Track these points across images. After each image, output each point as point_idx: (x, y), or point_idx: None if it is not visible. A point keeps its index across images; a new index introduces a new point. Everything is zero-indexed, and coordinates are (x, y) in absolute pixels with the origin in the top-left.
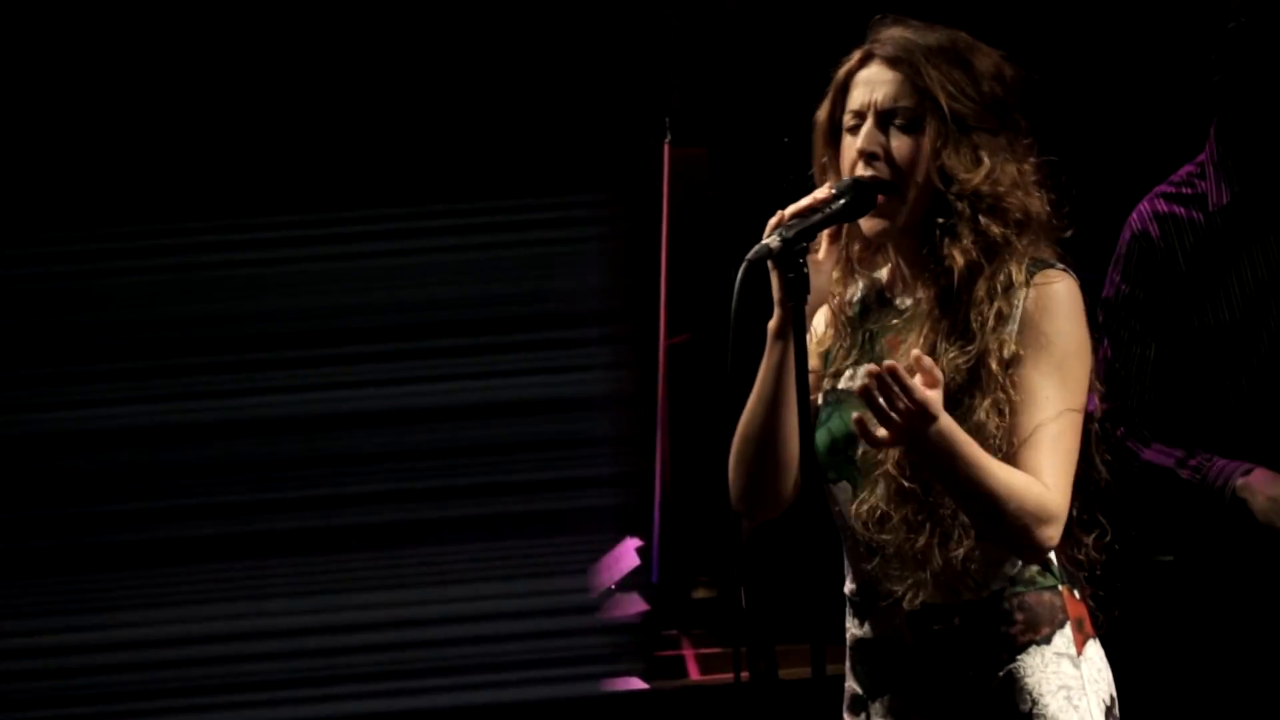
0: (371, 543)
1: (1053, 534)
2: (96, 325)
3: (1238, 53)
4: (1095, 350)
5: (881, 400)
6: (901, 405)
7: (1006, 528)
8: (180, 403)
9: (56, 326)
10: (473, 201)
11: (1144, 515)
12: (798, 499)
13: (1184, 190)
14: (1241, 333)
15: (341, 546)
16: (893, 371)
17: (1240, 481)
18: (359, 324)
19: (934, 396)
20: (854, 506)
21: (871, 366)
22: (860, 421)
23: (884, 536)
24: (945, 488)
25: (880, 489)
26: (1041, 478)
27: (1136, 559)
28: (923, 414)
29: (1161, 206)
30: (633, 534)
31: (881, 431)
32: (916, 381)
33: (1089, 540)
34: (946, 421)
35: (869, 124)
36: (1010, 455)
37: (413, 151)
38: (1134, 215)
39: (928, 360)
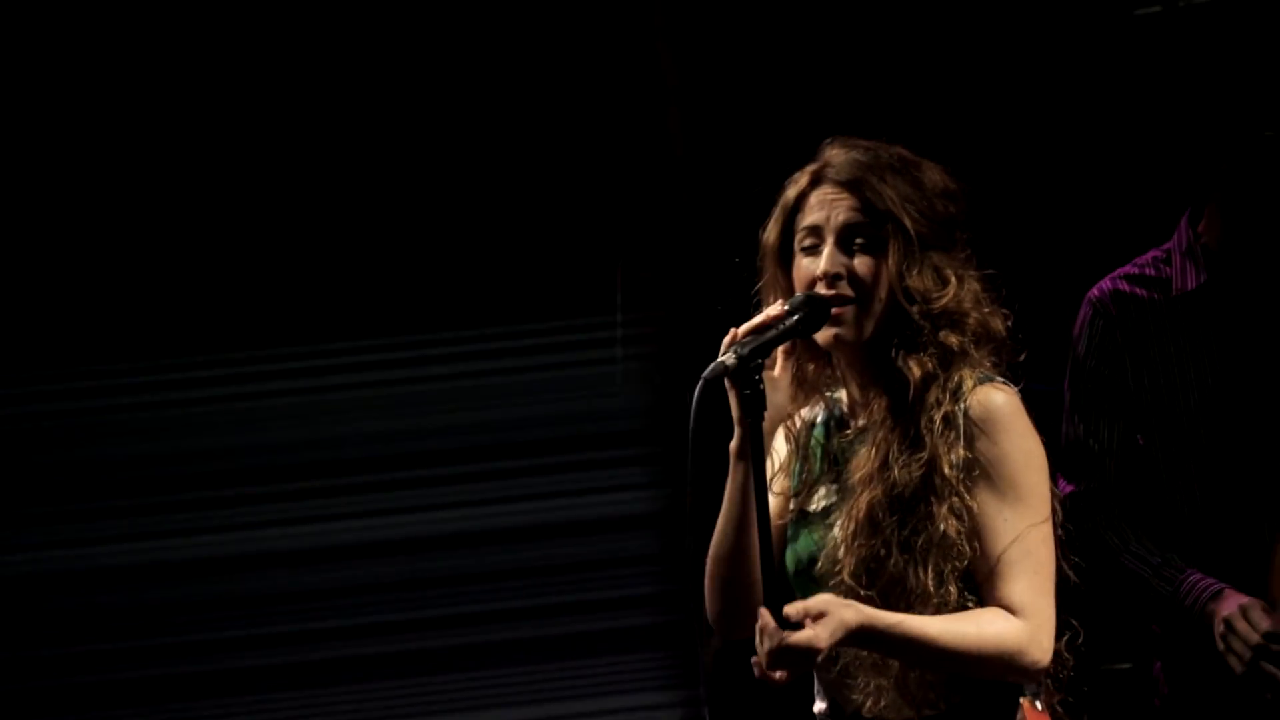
0: (429, 667)
1: (1035, 657)
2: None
3: (1266, 160)
4: (1065, 429)
5: (757, 642)
6: (766, 648)
7: (989, 671)
8: (221, 534)
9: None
10: (505, 325)
11: (1110, 617)
12: None
13: (1147, 272)
14: (1197, 427)
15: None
16: (764, 621)
17: (1211, 607)
18: (382, 452)
19: (805, 637)
20: None
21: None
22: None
23: (838, 650)
24: (910, 664)
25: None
26: (1011, 604)
27: (1095, 666)
28: (795, 655)
29: (1124, 286)
30: None
31: (778, 674)
32: (775, 632)
33: (1061, 644)
34: (863, 623)
35: (830, 245)
36: (982, 585)
37: (436, 276)
38: (1094, 291)
39: (795, 608)
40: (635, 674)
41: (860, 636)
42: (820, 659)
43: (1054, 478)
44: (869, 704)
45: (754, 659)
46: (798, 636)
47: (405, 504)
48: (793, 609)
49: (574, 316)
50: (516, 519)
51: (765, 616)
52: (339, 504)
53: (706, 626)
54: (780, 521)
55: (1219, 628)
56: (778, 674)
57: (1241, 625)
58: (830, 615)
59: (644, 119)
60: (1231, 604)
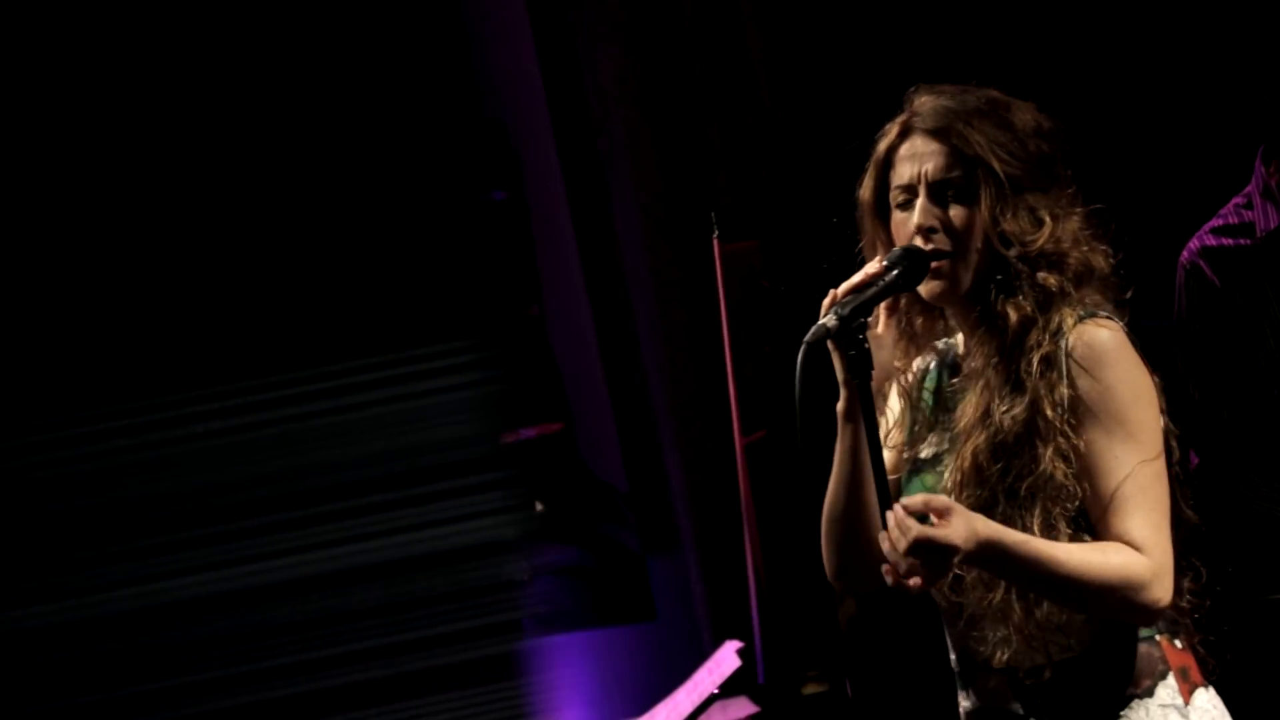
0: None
1: (1158, 594)
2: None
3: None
4: (1179, 394)
5: (886, 546)
6: (902, 548)
7: (1107, 605)
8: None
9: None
10: (339, 363)
11: (1250, 553)
12: None
13: (1230, 221)
14: None
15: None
16: (898, 517)
17: None
18: (247, 497)
19: (943, 532)
20: None
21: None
22: (889, 572)
23: (963, 598)
24: (1030, 589)
25: None
26: (1131, 539)
27: (1246, 600)
28: (934, 551)
29: (1210, 240)
30: (733, 635)
31: (913, 580)
32: (911, 524)
33: (1185, 585)
34: (991, 535)
35: (922, 198)
36: (1097, 523)
37: (272, 319)
38: (1184, 254)
39: (917, 499)
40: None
41: (989, 550)
42: (956, 561)
43: (1184, 452)
44: (997, 655)
45: (885, 567)
46: (932, 529)
47: (260, 551)
48: (913, 500)
49: (412, 347)
50: (375, 555)
51: (897, 513)
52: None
53: (839, 592)
54: (895, 475)
55: None
56: (913, 580)
57: None
58: (958, 514)
59: (735, 87)
60: None
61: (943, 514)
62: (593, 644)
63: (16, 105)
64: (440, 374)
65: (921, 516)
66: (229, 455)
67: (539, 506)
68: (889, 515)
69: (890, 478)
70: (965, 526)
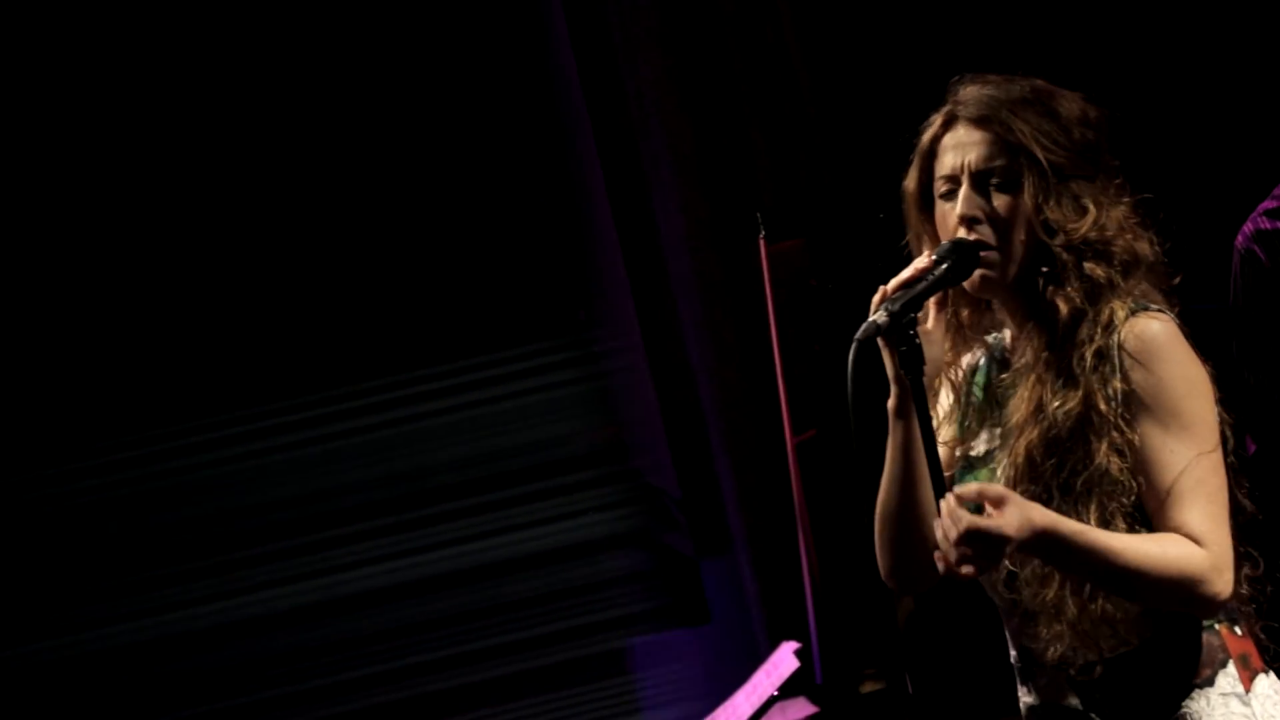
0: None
1: (1220, 587)
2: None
3: None
4: (1233, 379)
5: (939, 534)
6: (954, 537)
7: (1165, 597)
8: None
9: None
10: (442, 364)
11: None
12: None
13: None
14: None
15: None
16: (950, 506)
17: None
18: (352, 502)
19: (995, 522)
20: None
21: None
22: (940, 558)
23: (1017, 594)
24: (1088, 580)
25: None
26: (1190, 532)
27: None
28: (985, 540)
29: (1265, 224)
30: (789, 636)
31: (965, 569)
32: (963, 514)
33: (1244, 572)
34: (1047, 524)
35: (965, 188)
36: (1155, 517)
37: (365, 323)
38: (1239, 239)
39: (971, 489)
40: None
41: (1044, 539)
42: (1009, 550)
43: (1240, 437)
44: (1050, 651)
45: (937, 554)
46: (985, 520)
47: (376, 554)
48: (967, 489)
49: (514, 347)
50: (498, 553)
51: (950, 502)
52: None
53: (896, 590)
54: (948, 472)
55: None
56: (964, 569)
57: None
58: (1013, 504)
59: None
60: None
61: (997, 503)
62: (647, 648)
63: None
64: (532, 374)
65: (975, 505)
66: (311, 466)
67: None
68: (942, 503)
69: (944, 475)
70: (1019, 516)
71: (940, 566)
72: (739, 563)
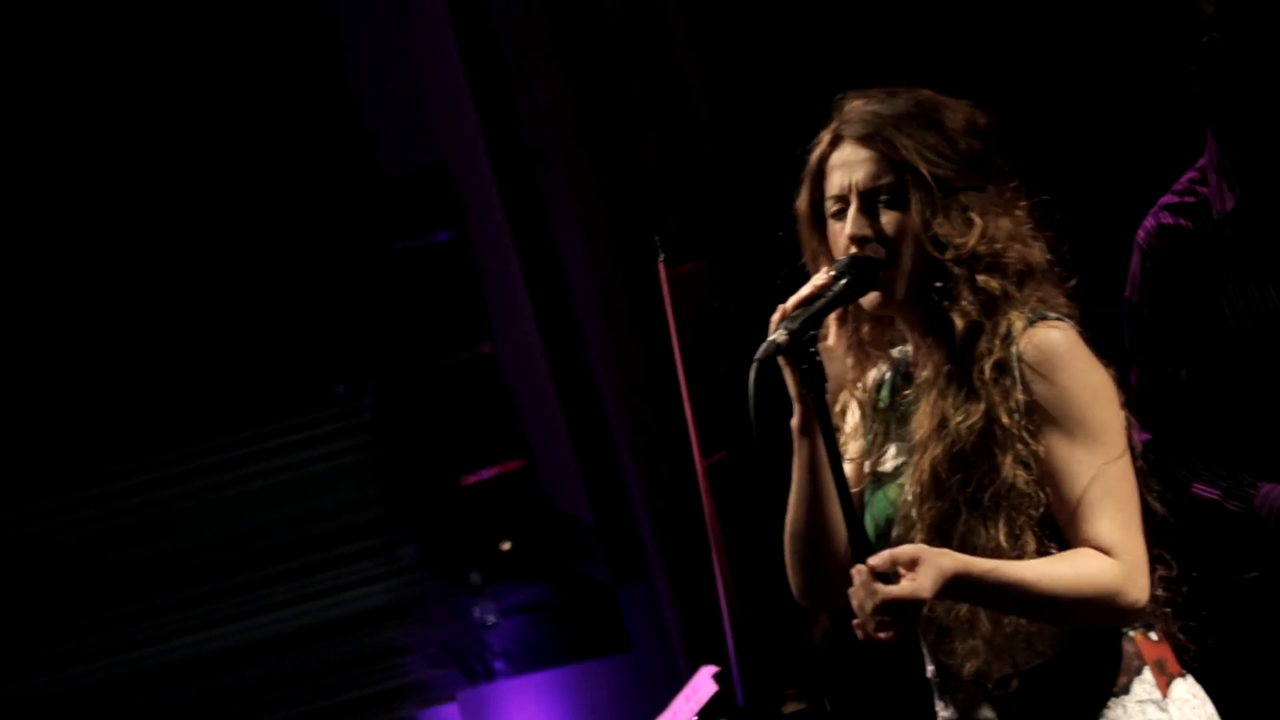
0: None
1: (1137, 595)
2: None
3: (1216, 66)
4: (1127, 377)
5: (855, 603)
6: (870, 609)
7: (1086, 616)
8: None
9: None
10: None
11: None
12: None
13: (1187, 200)
14: (1265, 339)
15: None
16: (864, 578)
17: None
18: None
19: (910, 588)
20: None
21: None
22: (859, 627)
23: (931, 611)
24: (1008, 612)
25: None
26: (1101, 544)
27: (1221, 581)
28: (901, 607)
29: (1167, 219)
30: (709, 660)
31: (884, 635)
32: (877, 587)
33: (1157, 575)
34: (959, 571)
35: (854, 208)
36: (1065, 528)
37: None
38: (1140, 234)
39: (883, 558)
40: None
41: (958, 584)
42: (926, 611)
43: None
44: (967, 666)
45: (855, 622)
46: (899, 589)
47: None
48: (879, 559)
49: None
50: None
51: (862, 573)
52: None
53: (810, 610)
54: (858, 488)
55: None
56: (883, 634)
57: None
58: (926, 563)
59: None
60: None
61: (910, 565)
62: (569, 679)
63: None
64: (318, 442)
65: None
66: (123, 535)
67: (506, 545)
68: (854, 573)
69: (852, 491)
70: (933, 573)
71: (859, 634)
72: (657, 589)
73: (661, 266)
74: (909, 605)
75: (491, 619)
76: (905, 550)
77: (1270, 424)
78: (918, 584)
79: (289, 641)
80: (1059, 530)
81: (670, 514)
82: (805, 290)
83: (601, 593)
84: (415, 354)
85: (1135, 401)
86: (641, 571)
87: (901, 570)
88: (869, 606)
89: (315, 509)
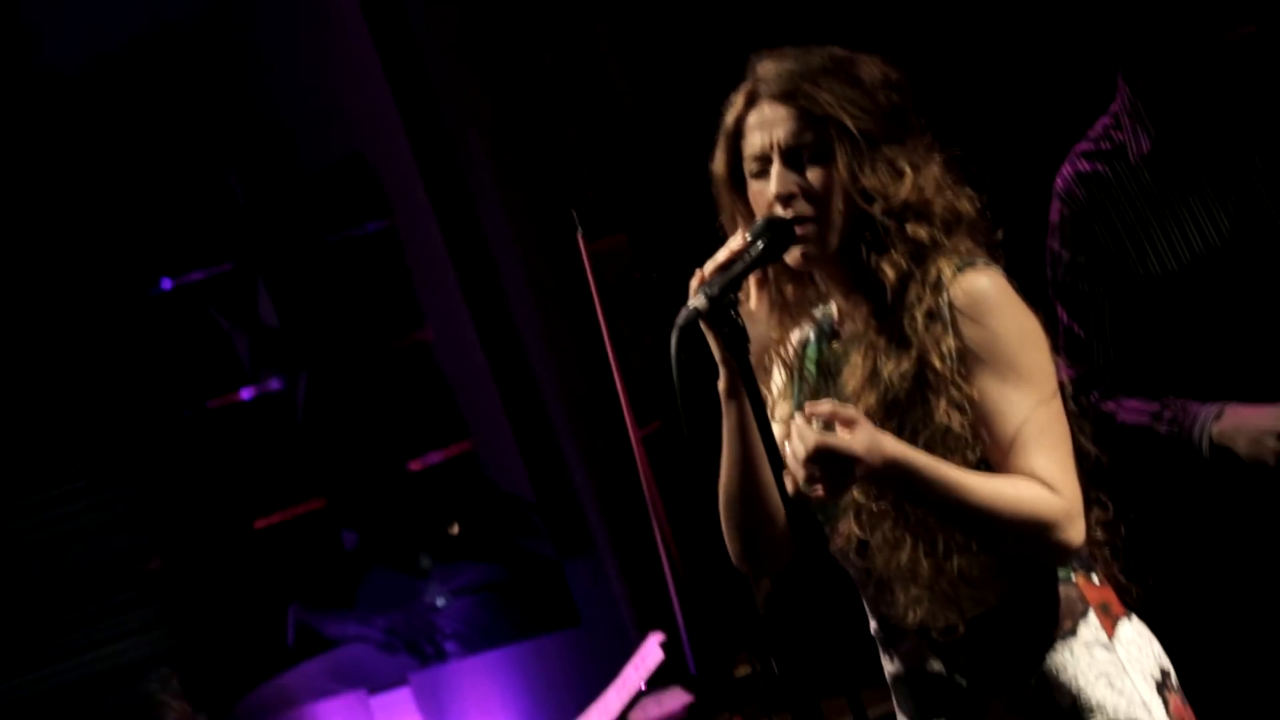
0: None
1: (1072, 534)
2: None
3: (1123, 10)
4: (1052, 320)
5: (789, 453)
6: (802, 455)
7: (1017, 540)
8: None
9: None
10: None
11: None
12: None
13: (1102, 145)
14: (1189, 279)
15: None
16: (800, 425)
17: (1216, 429)
18: None
19: (845, 441)
20: (836, 541)
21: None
22: (790, 479)
23: (870, 562)
24: (937, 516)
25: (852, 517)
26: (1040, 477)
27: (1160, 520)
28: (835, 459)
29: (1084, 166)
30: (658, 629)
31: (815, 489)
32: (811, 433)
33: (1094, 518)
34: (898, 454)
35: (777, 165)
36: (1000, 469)
37: None
38: (1059, 181)
39: (824, 405)
40: None
41: (895, 469)
42: (859, 474)
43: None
44: (909, 616)
45: (785, 471)
46: (834, 437)
47: None
48: (820, 405)
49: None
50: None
51: (800, 421)
52: None
53: (749, 574)
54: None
55: (1242, 444)
56: (814, 489)
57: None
58: (864, 427)
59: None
60: (1239, 414)
61: (849, 424)
62: (520, 657)
63: None
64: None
65: (827, 425)
66: None
67: (455, 529)
68: (792, 423)
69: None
70: (870, 438)
71: (789, 487)
72: (602, 562)
73: (580, 240)
74: (841, 460)
75: (441, 601)
76: (847, 408)
77: (1194, 360)
78: (854, 439)
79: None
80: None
81: (612, 487)
82: (722, 255)
83: (548, 569)
84: (351, 344)
85: (1060, 345)
86: (586, 546)
87: (840, 426)
88: (802, 453)
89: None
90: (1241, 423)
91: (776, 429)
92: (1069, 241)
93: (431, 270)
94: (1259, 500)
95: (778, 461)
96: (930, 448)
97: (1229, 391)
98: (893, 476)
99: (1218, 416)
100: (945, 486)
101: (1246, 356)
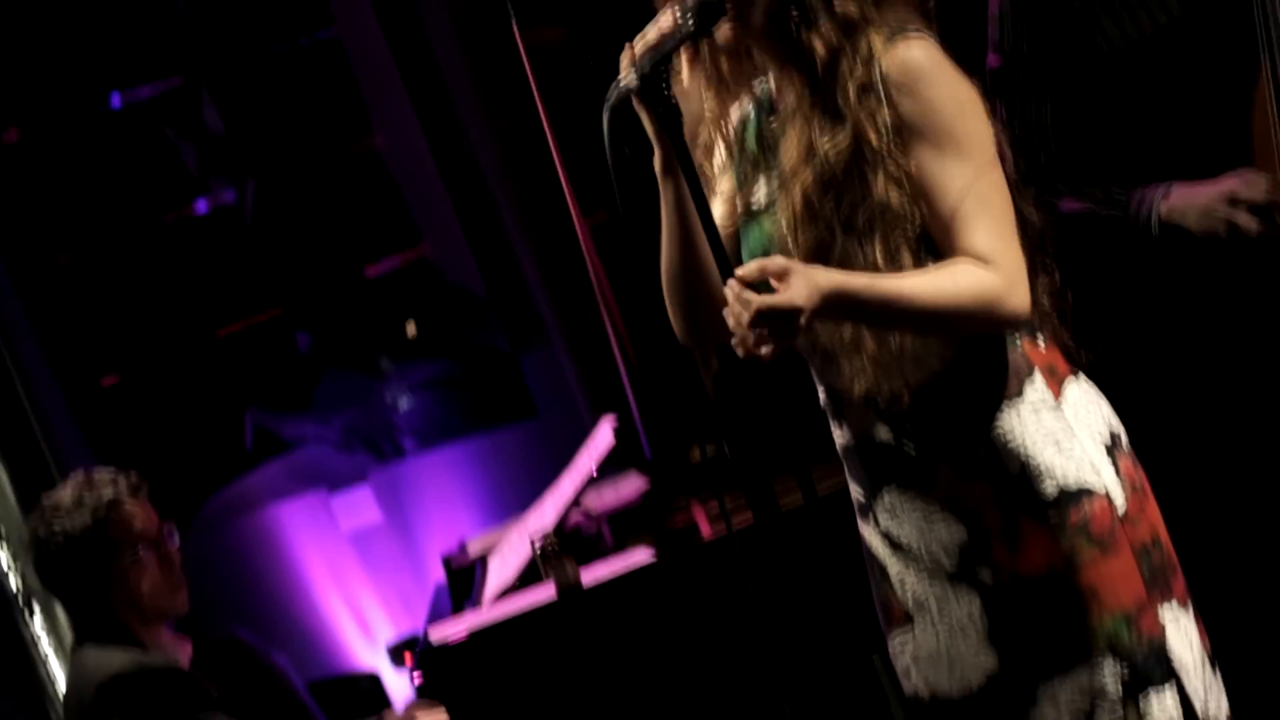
0: None
1: (1017, 303)
2: None
3: None
4: (992, 112)
5: (731, 321)
6: (745, 321)
7: (968, 326)
8: None
9: None
10: None
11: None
12: None
13: None
14: (1132, 61)
15: None
16: (735, 290)
17: (1165, 207)
18: None
19: (784, 297)
20: None
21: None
22: (739, 345)
23: (814, 336)
24: (889, 328)
25: None
26: (979, 253)
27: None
28: (778, 316)
29: None
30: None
31: (764, 350)
32: (750, 296)
33: (1040, 283)
34: (834, 285)
35: None
36: (940, 242)
37: None
38: None
39: (751, 267)
40: None
41: (836, 300)
42: (804, 322)
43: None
44: (857, 386)
45: (734, 340)
46: (773, 297)
47: None
48: (747, 269)
49: None
50: None
51: (734, 287)
52: None
53: (695, 351)
54: (731, 226)
55: (1192, 218)
56: (763, 349)
57: (1237, 183)
58: (796, 274)
59: None
60: (1186, 190)
61: (780, 276)
62: (478, 450)
63: None
64: None
65: (761, 283)
66: None
67: (412, 330)
68: (727, 290)
69: (727, 230)
70: (806, 284)
71: (740, 352)
72: (556, 352)
73: (516, 31)
74: (784, 314)
75: (401, 402)
76: (774, 260)
77: (1135, 152)
78: (791, 292)
79: None
80: (934, 247)
81: (561, 279)
82: (652, 33)
83: (503, 361)
84: (300, 152)
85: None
86: (539, 338)
87: (773, 282)
88: (745, 319)
89: None
90: (1191, 198)
91: (721, 207)
92: (1008, 31)
93: (378, 77)
94: (1205, 274)
95: (714, 236)
96: (869, 224)
97: (1173, 173)
98: (835, 309)
99: (1165, 195)
100: (887, 301)
101: (1189, 143)
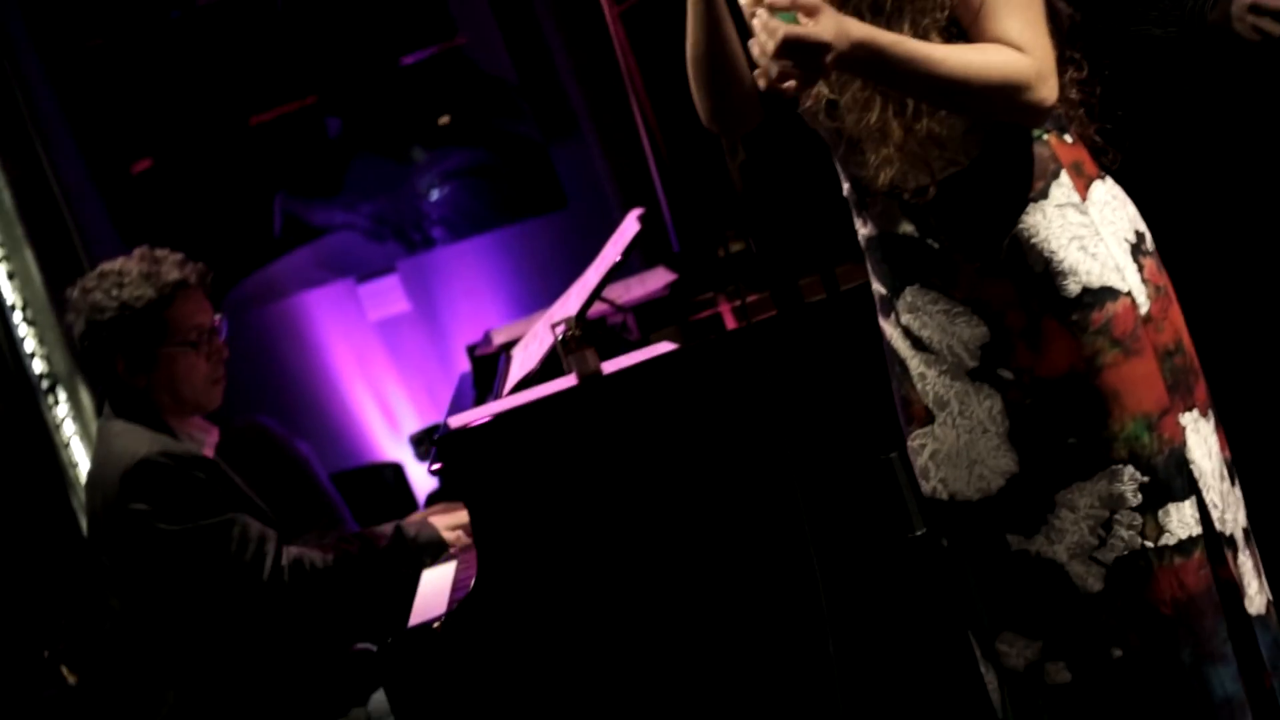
0: None
1: (1045, 93)
2: None
3: None
4: None
5: (756, 50)
6: (771, 50)
7: (991, 105)
8: None
9: None
10: None
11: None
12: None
13: None
14: None
15: None
16: (764, 19)
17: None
18: None
19: (812, 30)
20: (805, 102)
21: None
22: (762, 75)
23: (840, 123)
24: (911, 93)
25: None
26: (1010, 41)
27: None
28: (804, 49)
29: None
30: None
31: (787, 83)
32: (778, 25)
33: (1069, 77)
34: (864, 35)
35: None
36: (971, 29)
37: None
38: None
39: None
40: None
41: (862, 50)
42: (830, 60)
43: None
44: (881, 176)
45: (756, 71)
46: (799, 28)
47: None
48: None
49: None
50: None
51: (763, 16)
52: None
53: (721, 136)
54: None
55: (1240, 10)
56: (786, 83)
57: None
58: (827, 12)
59: None
60: None
61: (811, 12)
62: (507, 240)
63: None
64: None
65: (790, 16)
66: None
67: (445, 119)
68: (755, 20)
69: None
70: (835, 24)
71: (762, 83)
72: (587, 144)
73: None
74: (810, 48)
75: (433, 192)
76: None
77: None
78: (820, 27)
79: None
80: (964, 35)
81: (592, 67)
82: None
83: (533, 151)
84: None
85: None
86: (571, 128)
87: (803, 16)
88: (770, 48)
89: None
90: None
91: None
92: None
93: None
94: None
95: (740, 19)
96: (898, 6)
97: None
98: (861, 58)
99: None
100: (914, 62)
101: None
